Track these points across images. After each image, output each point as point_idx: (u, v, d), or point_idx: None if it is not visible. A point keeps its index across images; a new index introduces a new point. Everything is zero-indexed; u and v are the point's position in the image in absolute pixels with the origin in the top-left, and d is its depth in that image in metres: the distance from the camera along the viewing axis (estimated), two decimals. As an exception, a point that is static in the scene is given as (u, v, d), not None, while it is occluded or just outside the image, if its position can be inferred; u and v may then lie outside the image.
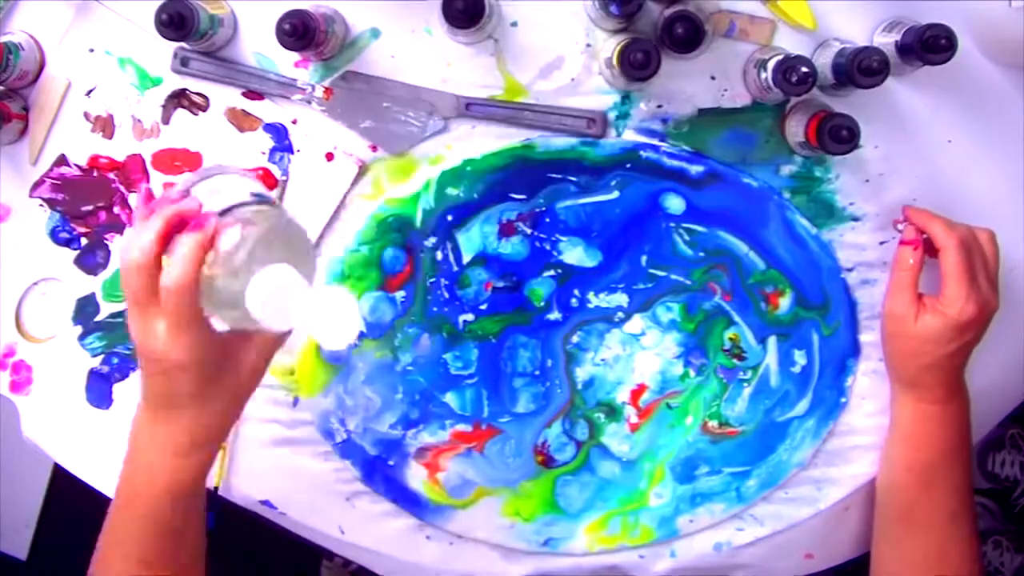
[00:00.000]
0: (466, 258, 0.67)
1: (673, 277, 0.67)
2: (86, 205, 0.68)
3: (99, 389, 0.70)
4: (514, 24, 0.64)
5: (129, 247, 0.47)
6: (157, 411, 0.51)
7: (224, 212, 0.48)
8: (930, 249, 0.63)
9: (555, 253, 0.67)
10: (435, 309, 0.68)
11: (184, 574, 0.56)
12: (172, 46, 0.65)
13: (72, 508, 1.34)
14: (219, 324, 0.48)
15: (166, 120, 0.67)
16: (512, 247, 0.67)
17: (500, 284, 0.67)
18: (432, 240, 0.67)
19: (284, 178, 0.67)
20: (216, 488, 0.70)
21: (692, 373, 0.69)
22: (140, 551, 0.53)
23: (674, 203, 0.66)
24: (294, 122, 0.66)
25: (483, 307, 0.68)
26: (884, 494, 0.67)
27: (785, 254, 0.67)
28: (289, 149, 0.66)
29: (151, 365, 0.49)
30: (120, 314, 0.69)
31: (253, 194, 0.50)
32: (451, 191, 0.66)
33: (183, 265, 0.45)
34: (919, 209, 0.64)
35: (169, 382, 0.49)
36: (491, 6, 0.60)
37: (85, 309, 0.69)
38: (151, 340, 0.48)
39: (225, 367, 0.50)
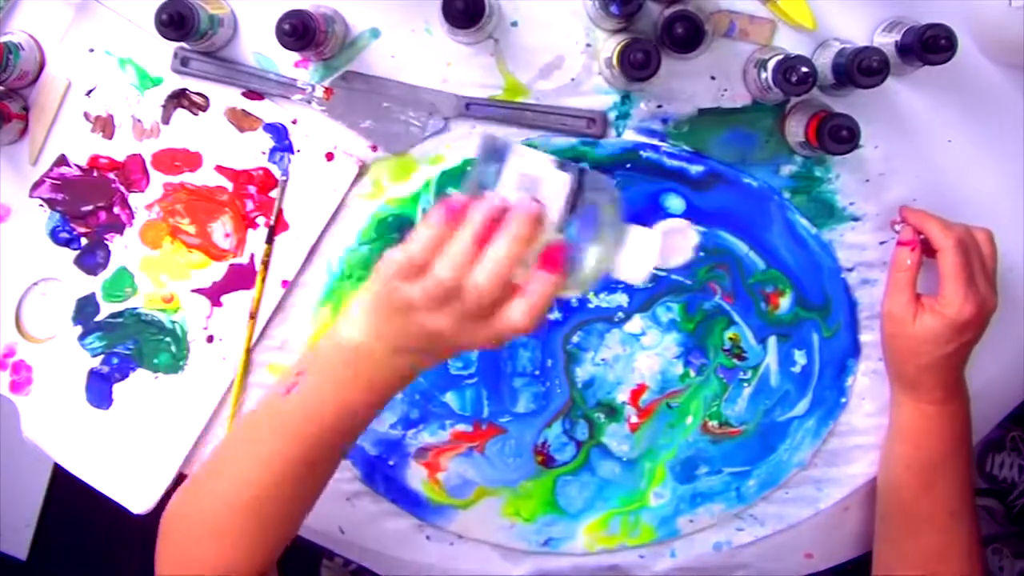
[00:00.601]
0: (466, 258, 0.67)
1: (673, 277, 0.67)
2: (86, 205, 0.68)
3: (99, 389, 0.70)
4: (514, 24, 0.64)
5: (481, 268, 0.46)
6: (395, 354, 0.51)
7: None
8: (928, 249, 0.63)
9: (555, 253, 0.67)
10: (435, 309, 0.68)
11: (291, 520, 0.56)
12: (172, 46, 0.65)
13: (72, 508, 1.34)
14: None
15: (166, 120, 0.67)
16: (512, 247, 0.67)
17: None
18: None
19: (284, 178, 0.67)
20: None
21: (692, 373, 0.69)
22: (309, 449, 0.52)
23: (674, 203, 0.66)
24: (294, 122, 0.66)
25: (483, 307, 0.68)
26: (885, 493, 0.67)
27: (786, 254, 0.67)
28: (289, 149, 0.66)
29: (429, 345, 0.50)
30: (120, 314, 0.69)
31: (557, 167, 0.49)
32: (451, 191, 0.66)
33: (539, 311, 0.46)
34: (916, 210, 0.64)
35: (433, 354, 0.52)
36: (491, 6, 0.60)
37: (85, 309, 0.69)
38: (460, 340, 0.48)
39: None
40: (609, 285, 0.67)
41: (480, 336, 0.48)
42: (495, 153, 0.48)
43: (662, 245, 0.51)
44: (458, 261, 0.46)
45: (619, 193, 0.51)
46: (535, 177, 0.47)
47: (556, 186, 0.47)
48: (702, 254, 0.67)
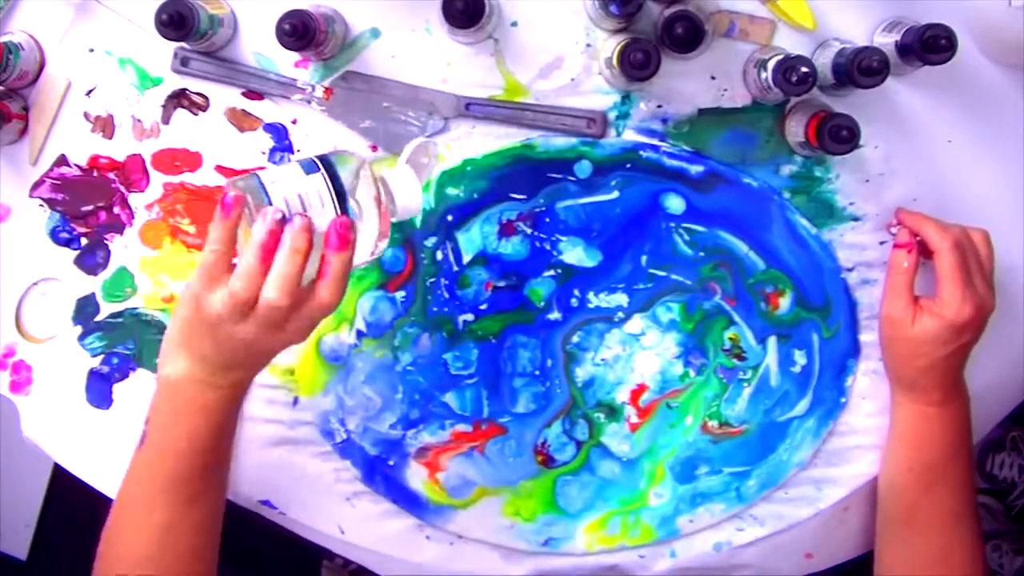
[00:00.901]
0: (466, 258, 0.67)
1: (673, 277, 0.67)
2: (86, 205, 0.68)
3: (99, 389, 0.70)
4: (514, 24, 0.64)
5: (270, 284, 0.49)
6: (222, 372, 0.53)
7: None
8: (924, 251, 0.63)
9: (555, 253, 0.67)
10: (435, 309, 0.68)
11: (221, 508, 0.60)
12: (172, 46, 0.65)
13: (72, 508, 1.34)
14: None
15: (166, 120, 0.67)
16: (512, 247, 0.67)
17: (500, 284, 0.67)
18: (432, 240, 0.67)
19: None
20: (216, 488, 0.70)
21: (692, 373, 0.69)
22: (185, 488, 0.56)
23: (674, 203, 0.66)
24: (294, 122, 0.66)
25: (483, 307, 0.68)
26: (885, 495, 0.67)
27: (787, 255, 0.67)
28: (289, 149, 0.66)
29: (249, 356, 0.53)
30: (120, 314, 0.69)
31: (303, 166, 0.53)
32: (451, 191, 0.66)
33: (342, 285, 0.51)
34: (912, 211, 0.64)
35: (258, 362, 0.55)
36: (491, 6, 0.60)
37: (85, 309, 0.69)
38: (276, 343, 0.52)
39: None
40: (609, 285, 0.67)
41: (292, 331, 0.51)
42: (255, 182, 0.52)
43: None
44: (249, 277, 0.49)
45: (365, 157, 0.56)
46: (297, 192, 0.51)
47: (316, 188, 0.52)
48: (702, 254, 0.67)
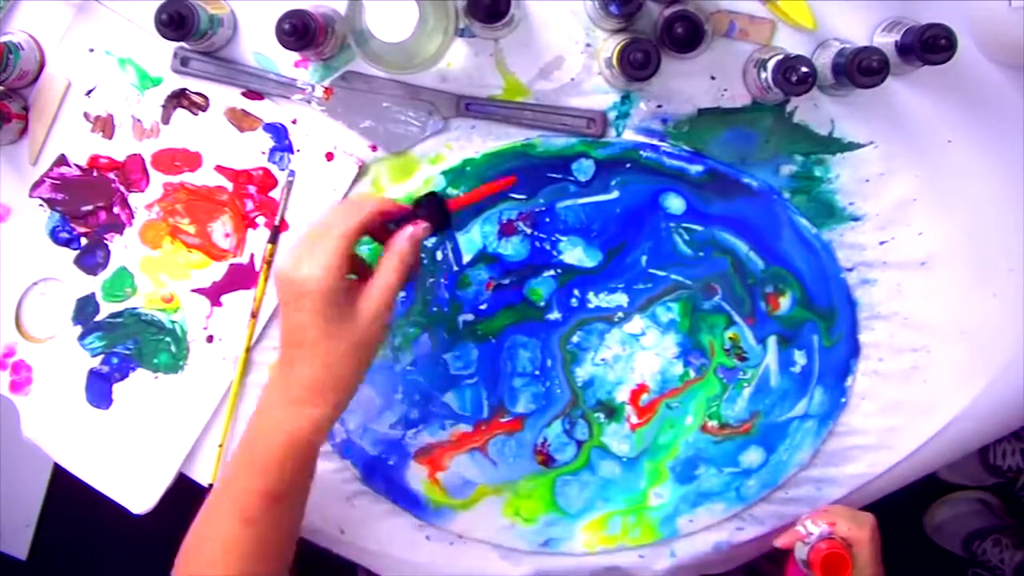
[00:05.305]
0: (466, 258, 0.67)
1: (673, 277, 0.67)
2: (86, 205, 0.68)
3: (99, 389, 0.70)
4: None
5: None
6: (287, 349, 0.53)
7: None
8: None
9: (555, 253, 0.67)
10: (435, 309, 0.68)
11: (281, 543, 0.56)
12: (172, 46, 0.65)
13: (72, 508, 1.34)
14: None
15: (166, 120, 0.67)
16: (512, 247, 0.67)
17: (504, 282, 0.67)
18: (432, 240, 0.67)
19: (291, 178, 0.67)
20: (216, 488, 0.70)
21: (692, 373, 0.69)
22: (244, 507, 0.53)
23: (674, 203, 0.66)
24: (294, 122, 0.66)
25: (483, 307, 0.68)
26: None
27: (796, 258, 0.67)
28: (289, 149, 0.66)
29: (291, 299, 0.51)
30: (120, 314, 0.69)
31: None
32: (451, 191, 0.66)
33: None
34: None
35: (300, 315, 0.51)
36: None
37: (85, 309, 0.69)
38: (303, 268, 0.51)
39: (347, 312, 0.52)
40: (609, 285, 0.68)
41: (312, 254, 0.51)
42: None
43: None
44: None
45: None
46: None
47: None
48: (701, 254, 0.67)
